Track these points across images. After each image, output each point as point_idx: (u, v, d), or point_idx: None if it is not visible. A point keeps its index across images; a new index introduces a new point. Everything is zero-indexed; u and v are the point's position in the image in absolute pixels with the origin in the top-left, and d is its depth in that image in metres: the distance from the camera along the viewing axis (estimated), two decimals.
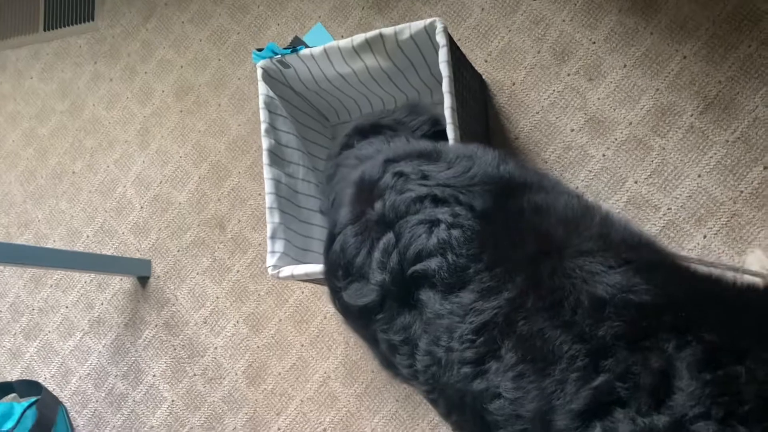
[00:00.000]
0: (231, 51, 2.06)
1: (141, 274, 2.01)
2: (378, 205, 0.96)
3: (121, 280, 2.06)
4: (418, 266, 0.89)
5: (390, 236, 0.93)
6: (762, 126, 1.49)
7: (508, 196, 0.93)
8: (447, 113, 1.28)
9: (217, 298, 1.93)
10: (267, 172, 1.45)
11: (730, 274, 1.40)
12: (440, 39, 1.33)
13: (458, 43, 1.71)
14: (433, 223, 0.91)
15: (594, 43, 1.66)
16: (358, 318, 0.97)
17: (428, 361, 0.87)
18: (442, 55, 1.31)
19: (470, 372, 0.81)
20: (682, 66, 1.57)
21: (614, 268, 0.77)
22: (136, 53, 2.19)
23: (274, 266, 1.40)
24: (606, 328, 0.72)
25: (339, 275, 0.98)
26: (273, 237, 1.42)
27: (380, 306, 0.93)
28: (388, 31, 1.38)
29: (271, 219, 1.43)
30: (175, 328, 1.97)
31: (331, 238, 1.03)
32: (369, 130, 1.22)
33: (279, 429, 1.80)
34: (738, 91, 1.52)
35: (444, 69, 1.31)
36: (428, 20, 1.35)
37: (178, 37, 2.14)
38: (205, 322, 1.93)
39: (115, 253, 2.09)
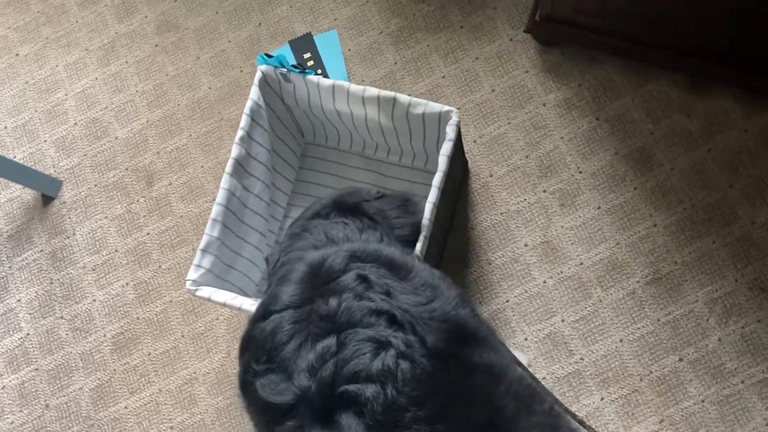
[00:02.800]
0: (232, 9, 1.92)
1: (47, 192, 1.86)
2: (333, 303, 0.90)
3: (24, 188, 1.90)
4: (351, 387, 0.84)
5: (332, 342, 0.87)
6: (694, 320, 1.53)
7: (462, 344, 0.90)
8: (427, 207, 1.23)
9: (116, 251, 1.81)
10: (225, 182, 1.35)
11: None
12: (450, 132, 1.27)
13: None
14: (382, 345, 0.86)
15: (581, 172, 1.65)
16: (263, 412, 0.90)
17: None
18: (446, 149, 1.26)
19: None
20: (650, 232, 1.59)
21: None
22: None
23: (194, 281, 1.31)
24: None
25: (261, 359, 0.92)
26: (204, 250, 1.33)
27: (292, 410, 0.86)
28: (403, 98, 1.31)
29: (210, 231, 1.34)
30: (60, 261, 1.83)
31: (264, 312, 0.96)
32: (347, 210, 1.15)
33: (126, 408, 1.71)
34: (687, 278, 1.56)
35: (442, 163, 1.26)
36: (446, 108, 1.29)
37: None
38: (93, 270, 1.81)
39: (28, 158, 1.91)
